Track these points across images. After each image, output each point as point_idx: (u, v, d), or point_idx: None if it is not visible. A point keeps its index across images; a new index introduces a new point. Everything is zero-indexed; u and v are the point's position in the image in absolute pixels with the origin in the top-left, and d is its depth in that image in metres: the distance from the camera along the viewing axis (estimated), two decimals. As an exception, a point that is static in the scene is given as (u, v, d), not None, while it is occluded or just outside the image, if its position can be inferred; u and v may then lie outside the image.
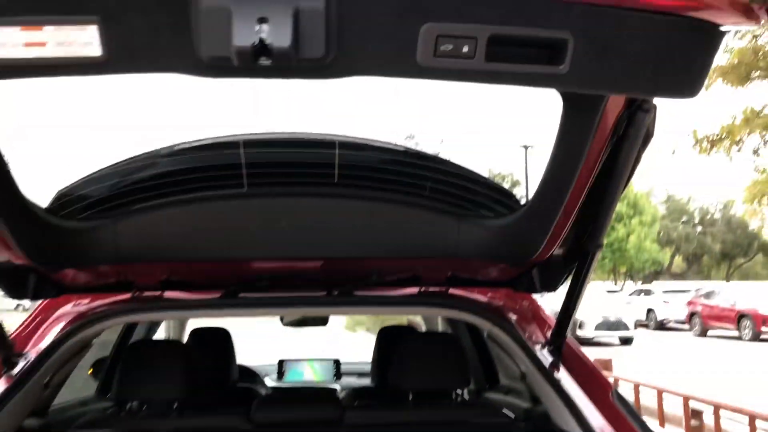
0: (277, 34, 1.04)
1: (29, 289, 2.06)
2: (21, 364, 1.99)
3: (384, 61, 1.18)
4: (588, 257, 2.00)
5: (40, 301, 2.34)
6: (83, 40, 1.10)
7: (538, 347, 2.18)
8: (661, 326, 26.79)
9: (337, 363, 4.31)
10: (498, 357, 3.36)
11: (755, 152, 12.58)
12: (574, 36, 1.15)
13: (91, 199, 1.99)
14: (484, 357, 3.47)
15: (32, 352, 2.05)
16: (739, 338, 22.19)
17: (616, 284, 41.83)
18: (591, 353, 9.47)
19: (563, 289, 2.20)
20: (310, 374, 4.44)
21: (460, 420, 2.52)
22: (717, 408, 7.64)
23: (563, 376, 2.08)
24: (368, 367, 3.46)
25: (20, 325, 2.26)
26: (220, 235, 2.13)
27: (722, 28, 1.16)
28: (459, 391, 2.75)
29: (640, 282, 39.99)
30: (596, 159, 1.79)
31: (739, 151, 12.39)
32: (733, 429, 7.61)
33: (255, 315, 2.78)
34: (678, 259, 48.86)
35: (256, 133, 2.02)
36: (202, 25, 1.08)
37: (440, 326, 3.92)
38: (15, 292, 2.06)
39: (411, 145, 2.25)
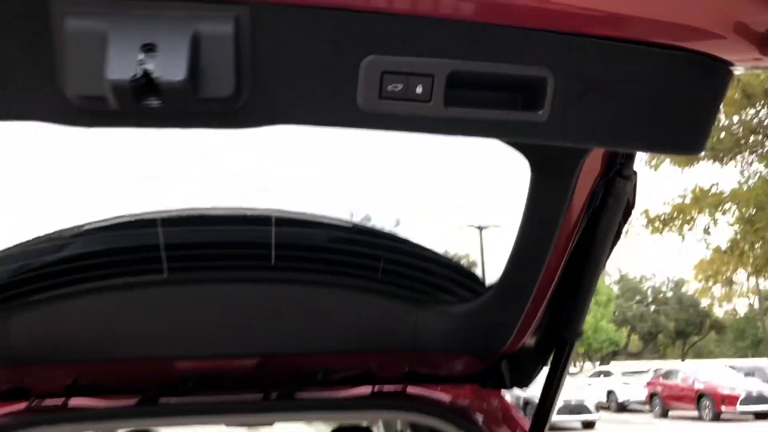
0: (167, 65, 0.78)
1: None
2: None
3: (314, 104, 0.92)
4: (565, 347, 1.76)
5: None
6: None
7: None
8: (623, 408, 26.49)
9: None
10: None
11: (706, 231, 12.80)
12: (555, 74, 0.91)
13: None
14: None
15: None
16: (700, 418, 22.01)
17: (574, 366, 41.70)
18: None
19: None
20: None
21: None
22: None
23: None
24: None
25: None
26: (136, 330, 1.82)
27: (734, 68, 0.95)
28: None
29: (598, 363, 39.91)
30: (571, 234, 1.58)
31: (690, 230, 12.59)
32: None
33: (179, 424, 2.41)
34: (634, 338, 49.11)
35: (178, 209, 1.74)
36: (69, 55, 0.81)
37: (399, 426, 3.57)
38: None
39: (362, 221, 1.99)
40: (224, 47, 0.82)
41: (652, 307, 48.06)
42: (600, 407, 24.05)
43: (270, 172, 1.63)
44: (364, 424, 2.74)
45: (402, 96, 0.90)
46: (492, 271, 1.89)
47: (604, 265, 1.70)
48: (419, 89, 0.89)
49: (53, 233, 1.72)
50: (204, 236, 1.80)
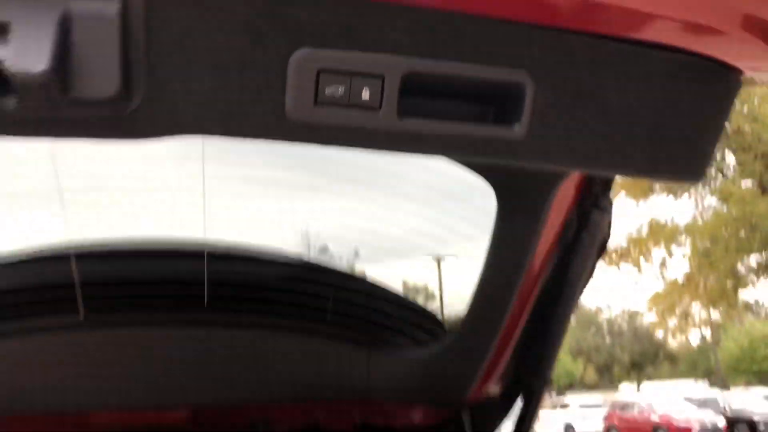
0: (23, 52, 0.58)
1: None
2: None
3: (229, 111, 0.71)
4: (533, 397, 1.60)
5: None
6: None
7: None
8: (581, 442, 26.60)
9: None
10: None
11: (662, 264, 12.99)
12: (535, 79, 0.74)
13: None
14: None
15: None
16: (657, 452, 22.22)
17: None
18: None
19: None
20: None
21: None
22: None
23: None
24: None
25: None
26: (50, 379, 1.61)
27: (743, 76, 0.80)
28: None
29: (554, 394, 40.09)
30: (540, 271, 1.44)
31: (647, 261, 12.75)
32: None
33: None
34: (590, 369, 49.61)
35: (95, 242, 1.52)
36: None
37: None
38: None
39: (308, 255, 1.81)
40: (106, 31, 0.62)
41: (608, 339, 48.69)
42: (558, 440, 24.10)
43: (202, 197, 1.43)
44: None
45: (343, 102, 0.70)
46: (453, 311, 1.74)
47: (576, 306, 1.55)
48: (365, 94, 0.70)
49: None
50: (126, 273, 1.59)
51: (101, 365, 1.62)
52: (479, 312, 1.55)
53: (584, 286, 1.51)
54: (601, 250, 1.45)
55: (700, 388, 32.31)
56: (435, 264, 1.95)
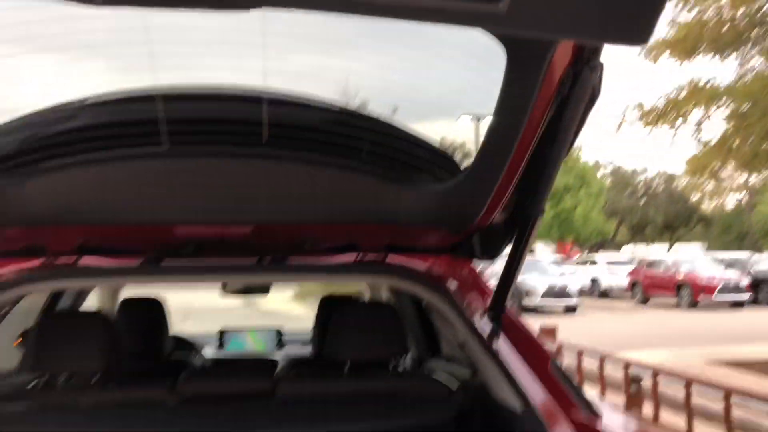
0: None
1: None
2: None
3: None
4: (529, 223, 1.92)
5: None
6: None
7: (477, 316, 2.11)
8: (605, 295, 27.54)
9: (279, 333, 4.21)
10: (441, 325, 3.30)
11: (698, 126, 12.83)
12: None
13: None
14: (426, 325, 3.40)
15: None
16: (678, 306, 22.99)
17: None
18: (537, 321, 9.61)
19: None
20: (252, 344, 4.32)
21: (394, 391, 2.43)
22: (655, 373, 7.86)
23: (502, 345, 2.01)
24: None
25: None
26: (139, 196, 1.96)
27: None
28: (397, 362, 2.66)
29: (587, 252, 40.91)
30: (540, 120, 1.69)
31: (684, 123, 12.60)
32: (669, 391, 7.83)
33: (178, 283, 2.62)
34: (623, 229, 50.03)
35: (175, 86, 1.84)
36: None
37: (384, 294, 3.84)
38: None
39: (351, 104, 2.09)
40: None
41: (643, 201, 48.69)
42: (583, 293, 25.02)
43: (264, 51, 1.71)
44: (352, 291, 2.95)
45: None
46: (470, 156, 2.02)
47: (568, 151, 1.83)
48: None
49: (59, 105, 1.82)
50: (202, 112, 1.90)
51: (180, 187, 1.97)
52: (488, 153, 1.83)
53: (576, 134, 1.78)
54: (591, 103, 1.71)
55: (730, 251, 32.65)
56: (473, 119, 2.20)
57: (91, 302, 4.12)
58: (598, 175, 44.76)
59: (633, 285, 25.60)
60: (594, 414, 1.71)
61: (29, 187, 1.85)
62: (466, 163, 1.98)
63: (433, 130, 2.09)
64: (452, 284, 2.22)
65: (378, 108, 2.01)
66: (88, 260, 2.14)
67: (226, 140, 1.92)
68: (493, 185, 1.86)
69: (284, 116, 1.92)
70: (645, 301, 24.75)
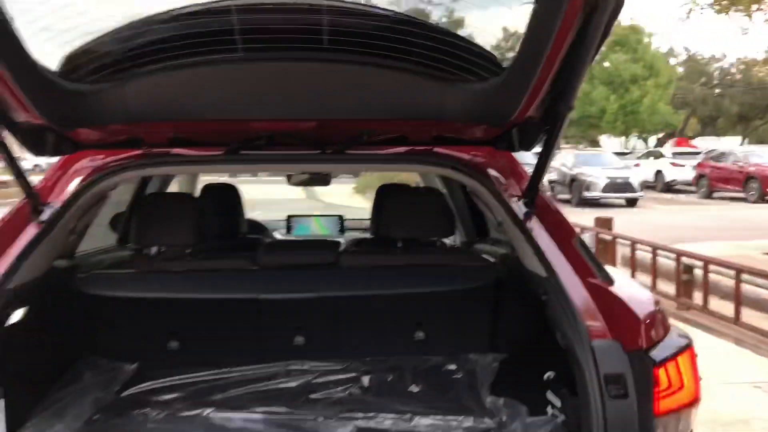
0: None
1: (48, 147, 2.26)
2: (47, 212, 2.22)
3: None
4: (560, 118, 2.12)
5: (58, 158, 2.54)
6: None
7: (514, 200, 2.38)
8: (669, 188, 27.10)
9: (341, 218, 4.58)
10: (485, 211, 3.60)
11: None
12: None
13: (97, 63, 2.11)
14: (474, 212, 3.71)
15: (56, 202, 2.28)
16: (744, 200, 22.52)
17: (626, 147, 41.62)
18: (596, 213, 9.75)
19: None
20: (316, 229, 4.73)
21: (442, 263, 2.78)
22: (707, 263, 8.04)
23: (535, 225, 2.29)
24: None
25: (42, 179, 2.48)
26: (219, 96, 2.25)
27: None
28: (445, 240, 3.01)
29: (653, 144, 39.83)
30: (570, 25, 1.87)
31: (758, 9, 11.96)
32: (720, 281, 8.04)
33: (254, 170, 2.97)
34: (693, 121, 48.15)
35: (248, 1, 2.09)
36: None
37: (437, 184, 4.15)
38: (36, 150, 2.26)
39: (398, 8, 2.28)
40: None
41: (717, 90, 46.40)
42: (646, 186, 24.73)
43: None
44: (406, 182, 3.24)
45: None
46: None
47: (595, 54, 2.01)
48: None
49: (151, 16, 2.11)
50: (271, 22, 2.16)
51: (254, 88, 2.26)
52: (526, 54, 2.02)
53: (602, 40, 1.96)
54: (616, 12, 1.88)
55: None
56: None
57: (173, 189, 4.58)
58: (671, 63, 42.68)
59: (699, 178, 25.05)
60: (607, 280, 2.01)
61: (128, 89, 2.16)
62: (506, 64, 2.18)
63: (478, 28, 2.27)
64: (492, 172, 2.49)
65: (426, 13, 2.19)
66: (178, 151, 2.49)
67: (292, 47, 2.17)
68: (529, 85, 2.04)
69: (343, 23, 2.15)
70: (710, 194, 24.28)
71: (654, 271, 9.03)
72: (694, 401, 1.74)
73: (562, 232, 2.22)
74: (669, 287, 8.71)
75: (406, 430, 2.42)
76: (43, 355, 2.35)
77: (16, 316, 2.03)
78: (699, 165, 25.29)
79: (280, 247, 3.14)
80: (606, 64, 33.89)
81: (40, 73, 1.96)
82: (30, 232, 2.15)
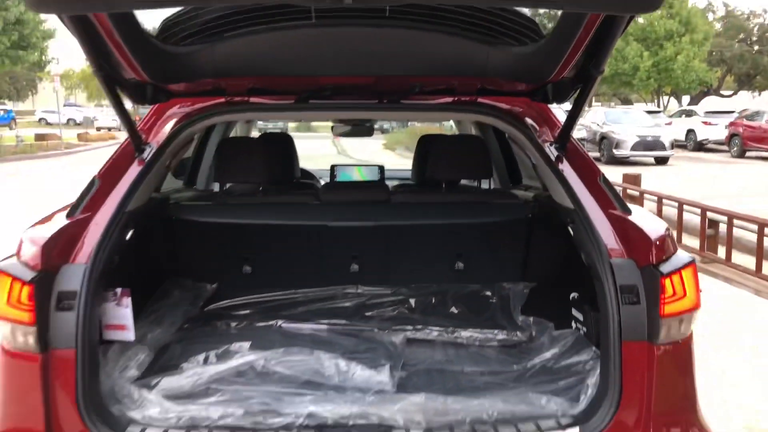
0: None
1: (147, 98, 2.64)
2: (147, 151, 2.61)
3: None
4: (591, 80, 2.38)
5: (151, 106, 2.92)
6: None
7: (547, 144, 2.71)
8: (700, 147, 26.89)
9: (381, 168, 4.94)
10: (522, 161, 3.94)
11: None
12: None
13: (191, 29, 2.43)
14: (510, 160, 4.06)
15: (154, 142, 2.67)
16: (777, 159, 22.35)
17: (659, 105, 40.98)
18: (625, 171, 9.88)
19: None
20: (358, 177, 5.10)
21: (481, 200, 3.14)
22: (731, 218, 8.26)
23: (565, 166, 2.62)
24: (409, 173, 4.10)
25: (140, 123, 2.87)
26: (293, 55, 2.58)
27: None
28: (483, 183, 3.37)
29: (686, 103, 39.21)
30: None
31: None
32: (744, 236, 8.27)
33: (320, 118, 3.31)
34: (729, 80, 47.14)
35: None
36: None
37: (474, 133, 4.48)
38: (137, 100, 2.64)
39: None
40: None
41: (756, 47, 45.26)
42: (677, 145, 24.58)
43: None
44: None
45: None
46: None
47: (628, 25, 2.23)
48: None
49: None
50: None
51: (323, 48, 2.57)
52: (564, 26, 2.22)
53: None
54: None
55: None
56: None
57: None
58: (708, 19, 41.60)
59: (731, 137, 24.79)
60: (626, 211, 2.35)
61: (217, 50, 2.51)
62: (546, 32, 2.45)
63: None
64: (529, 120, 2.82)
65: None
66: (255, 99, 2.85)
67: (357, 15, 2.44)
68: (565, 51, 2.28)
69: None
70: (742, 154, 24.07)
71: (680, 225, 9.27)
72: (694, 308, 2.09)
73: (589, 172, 2.55)
74: (694, 242, 8.96)
75: (448, 341, 2.82)
76: (143, 273, 2.77)
77: (128, 235, 2.43)
78: (731, 124, 24.99)
79: (339, 186, 3.53)
80: (640, 20, 33.11)
81: (146, 39, 2.30)
82: (135, 167, 2.54)
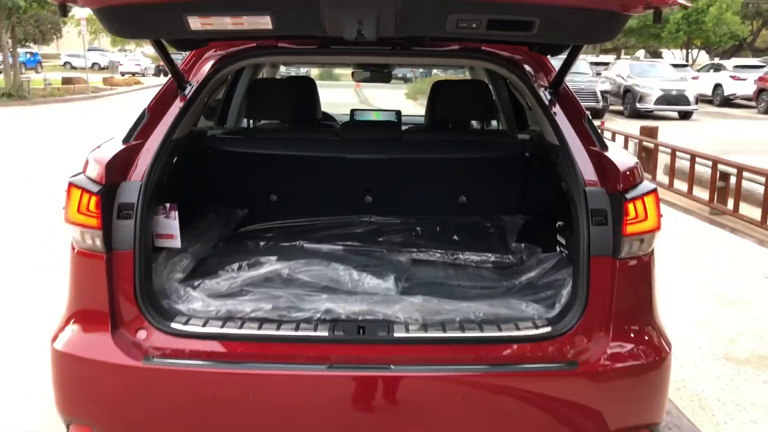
0: None
1: (189, 45, 3.00)
2: (189, 88, 2.98)
3: None
4: None
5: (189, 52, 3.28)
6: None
7: (542, 90, 3.03)
8: (727, 102, 26.61)
9: (398, 112, 5.28)
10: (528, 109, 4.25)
11: None
12: None
13: None
14: (516, 107, 4.38)
15: (194, 81, 3.03)
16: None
17: (687, 59, 40.22)
18: (645, 124, 10.03)
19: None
20: (375, 120, 5.46)
21: (484, 139, 3.49)
22: (740, 170, 8.49)
23: (557, 109, 2.95)
24: (423, 119, 4.44)
25: (181, 64, 3.23)
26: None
27: None
28: (488, 125, 3.71)
29: (717, 57, 38.48)
30: None
31: None
32: (753, 188, 8.50)
33: (340, 62, 3.63)
34: (764, 33, 45.97)
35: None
36: None
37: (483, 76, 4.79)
38: (180, 47, 3.01)
39: None
40: None
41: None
42: (703, 100, 24.37)
43: None
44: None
45: None
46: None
47: None
48: None
49: None
50: None
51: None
52: None
53: None
54: None
55: None
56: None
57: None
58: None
59: (759, 93, 24.51)
60: (604, 147, 2.67)
61: None
62: None
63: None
64: (527, 67, 3.13)
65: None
66: (282, 43, 3.19)
67: None
68: None
69: None
70: (769, 110, 23.86)
71: (691, 177, 9.51)
72: (655, 229, 2.43)
73: (575, 114, 2.87)
74: (706, 194, 9.22)
75: (449, 261, 3.21)
76: (183, 196, 3.17)
77: (174, 160, 2.82)
78: (760, 79, 24.66)
79: (357, 125, 3.90)
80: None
81: None
82: (178, 102, 2.91)
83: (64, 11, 2.20)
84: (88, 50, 36.19)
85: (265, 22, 2.07)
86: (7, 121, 18.79)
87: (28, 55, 46.32)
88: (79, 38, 30.63)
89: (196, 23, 2.07)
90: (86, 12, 34.69)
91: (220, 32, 2.33)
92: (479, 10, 2.00)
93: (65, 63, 54.29)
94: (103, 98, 27.89)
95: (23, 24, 42.02)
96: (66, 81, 31.54)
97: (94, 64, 49.78)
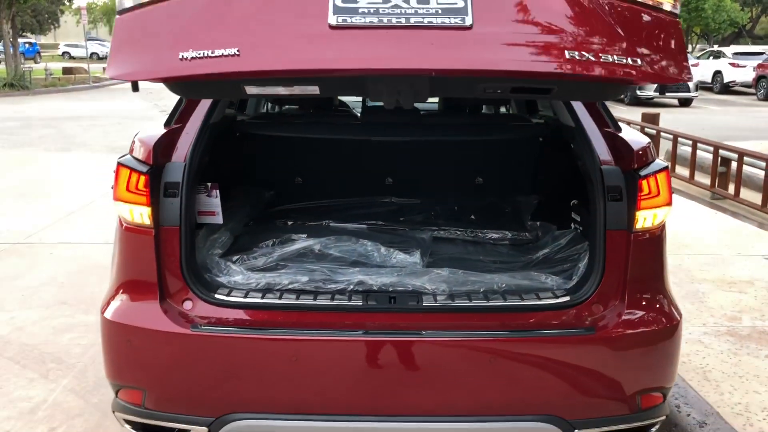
0: None
1: None
2: None
3: None
4: None
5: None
6: None
7: None
8: (727, 89, 26.73)
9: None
10: None
11: None
12: None
13: None
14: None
15: None
16: (805, 103, 22.25)
17: (687, 46, 40.25)
18: (645, 111, 10.15)
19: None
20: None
21: (500, 120, 3.65)
22: (741, 155, 8.65)
23: None
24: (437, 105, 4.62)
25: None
26: None
27: None
28: (502, 109, 3.88)
29: (716, 44, 38.55)
30: None
31: None
32: (753, 172, 8.66)
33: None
34: (764, 20, 46.02)
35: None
36: None
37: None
38: None
39: None
40: None
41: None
42: (702, 87, 24.49)
43: None
44: None
45: None
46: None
47: None
48: None
49: None
50: None
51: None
52: None
53: None
54: None
55: None
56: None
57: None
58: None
59: (759, 80, 24.63)
60: (617, 129, 2.84)
61: None
62: None
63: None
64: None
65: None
66: None
67: None
68: None
69: None
70: (768, 96, 23.99)
71: (692, 163, 9.67)
72: (666, 204, 2.59)
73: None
74: (707, 180, 9.38)
75: (467, 238, 3.38)
76: (217, 178, 3.34)
77: (211, 143, 2.98)
78: (759, 66, 24.79)
79: (376, 110, 4.07)
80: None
81: None
82: None
83: (135, 87, 2.24)
84: (86, 40, 36.17)
85: (313, 90, 2.22)
86: (10, 111, 18.88)
87: (27, 45, 46.28)
88: (77, 27, 30.59)
89: (252, 90, 2.24)
90: (84, 1, 34.73)
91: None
92: (504, 82, 2.18)
93: (64, 53, 54.23)
94: (105, 88, 27.96)
95: (20, 14, 42.01)
96: (67, 71, 31.60)
97: (92, 53, 49.72)
